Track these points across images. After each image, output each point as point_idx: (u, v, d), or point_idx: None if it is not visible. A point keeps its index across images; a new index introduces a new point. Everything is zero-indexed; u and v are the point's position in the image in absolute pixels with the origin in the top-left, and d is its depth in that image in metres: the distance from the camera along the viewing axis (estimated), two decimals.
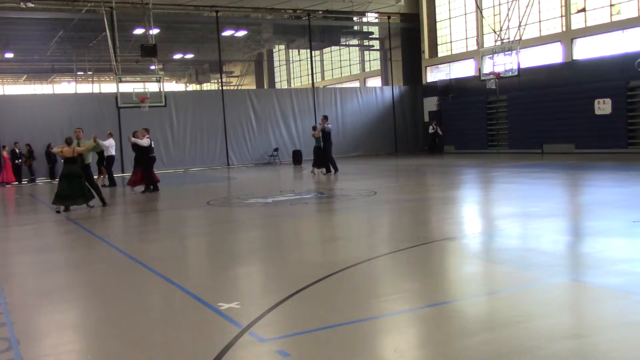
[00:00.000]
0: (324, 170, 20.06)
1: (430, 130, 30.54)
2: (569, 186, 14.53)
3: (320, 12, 30.69)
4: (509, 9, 24.51)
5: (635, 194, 11.54)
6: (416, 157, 27.86)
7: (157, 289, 6.31)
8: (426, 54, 32.53)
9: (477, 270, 6.60)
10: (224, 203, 13.98)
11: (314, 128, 20.78)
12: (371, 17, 33.83)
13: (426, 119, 32.51)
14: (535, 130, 25.44)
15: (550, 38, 26.05)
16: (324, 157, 20.11)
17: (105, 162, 19.73)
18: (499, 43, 24.18)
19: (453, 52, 31.45)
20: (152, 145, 17.35)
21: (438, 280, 6.13)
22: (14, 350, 4.48)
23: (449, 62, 31.56)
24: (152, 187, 16.90)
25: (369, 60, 38.67)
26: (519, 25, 23.72)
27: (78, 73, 41.13)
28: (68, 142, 12.95)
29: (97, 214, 12.95)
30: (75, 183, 12.81)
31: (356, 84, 38.60)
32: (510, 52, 23.39)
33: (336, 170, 19.95)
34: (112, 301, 5.86)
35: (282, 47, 42.27)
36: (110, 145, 19.35)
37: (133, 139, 16.89)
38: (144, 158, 16.93)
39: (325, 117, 20.86)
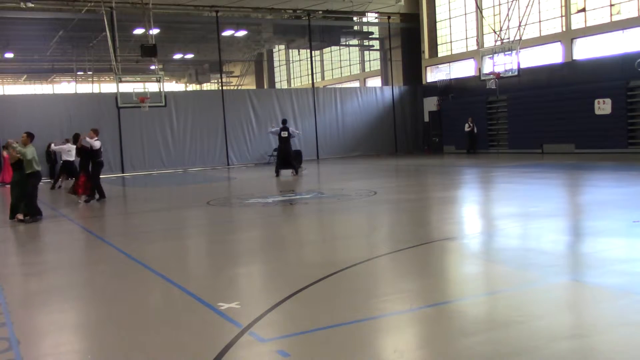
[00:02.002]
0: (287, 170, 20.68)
1: (467, 128, 28.50)
2: (569, 186, 14.53)
3: (320, 12, 30.68)
4: (509, 9, 24.50)
5: (635, 194, 11.54)
6: (416, 157, 27.86)
7: (157, 289, 6.31)
8: (426, 54, 32.52)
9: (477, 270, 6.60)
10: (224, 203, 13.98)
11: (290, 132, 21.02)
12: (371, 17, 33.83)
13: (426, 119, 32.50)
14: (535, 130, 25.42)
15: (550, 38, 26.05)
16: (291, 158, 20.66)
17: (62, 167, 19.31)
18: (499, 43, 24.17)
19: (453, 52, 31.44)
20: (102, 149, 15.41)
21: (438, 280, 6.13)
22: (14, 350, 4.48)
23: (449, 62, 31.55)
24: (98, 195, 15.10)
25: (369, 60, 38.67)
26: (519, 25, 23.71)
27: (78, 73, 41.12)
28: (5, 147, 12.28)
29: (94, 214, 12.95)
30: (15, 191, 11.94)
31: (356, 84, 38.60)
32: (510, 52, 23.38)
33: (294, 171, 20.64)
34: (112, 301, 5.87)
35: (282, 47, 42.26)
36: (63, 151, 18.61)
37: (89, 140, 15.04)
38: (91, 163, 15.13)
39: (284, 121, 21.57)
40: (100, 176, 15.45)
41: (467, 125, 28.50)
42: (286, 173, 20.75)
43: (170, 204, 14.90)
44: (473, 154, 27.84)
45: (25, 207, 11.69)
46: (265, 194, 14.87)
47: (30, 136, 11.94)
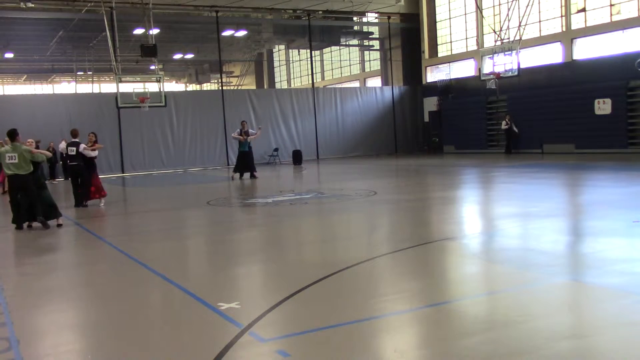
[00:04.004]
0: (241, 174, 20.24)
1: (504, 126, 26.48)
2: (569, 186, 14.53)
3: (320, 12, 30.68)
4: (509, 9, 24.50)
5: (635, 194, 11.53)
6: (416, 157, 27.86)
7: (157, 289, 6.31)
8: (426, 54, 32.53)
9: (477, 270, 6.60)
10: (224, 203, 13.98)
11: (247, 133, 20.25)
12: (371, 17, 33.83)
13: (426, 119, 32.50)
14: (535, 130, 25.43)
15: (550, 38, 26.05)
16: (250, 162, 20.17)
17: None
18: (499, 43, 24.17)
19: (453, 52, 31.44)
20: (73, 152, 13.87)
21: (438, 280, 6.13)
22: (14, 350, 4.48)
23: (449, 62, 31.55)
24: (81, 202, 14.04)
25: (369, 60, 38.67)
26: (519, 25, 23.72)
27: (78, 73, 41.13)
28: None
29: (94, 214, 12.94)
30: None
31: (356, 84, 38.60)
32: (510, 52, 23.38)
33: (246, 175, 20.26)
34: (112, 301, 5.86)
35: (282, 47, 42.27)
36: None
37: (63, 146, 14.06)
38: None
39: (243, 122, 21.16)
40: (77, 182, 14.12)
41: (503, 123, 26.53)
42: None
43: (170, 204, 14.89)
44: (510, 154, 25.80)
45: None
46: (265, 194, 14.87)
47: (8, 134, 10.79)
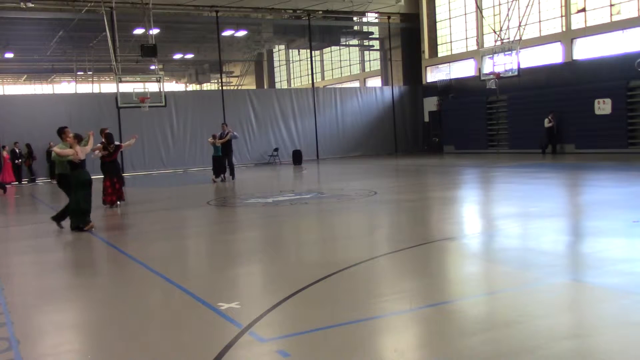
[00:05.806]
0: (223, 177, 20.05)
1: (547, 123, 24.53)
2: (569, 186, 14.53)
3: (320, 12, 30.68)
4: (509, 9, 24.50)
5: (635, 194, 11.53)
6: (416, 157, 27.85)
7: (157, 289, 6.31)
8: (426, 54, 32.52)
9: (477, 270, 6.60)
10: (224, 203, 13.98)
11: (215, 137, 20.15)
12: (371, 17, 33.82)
13: (426, 119, 32.49)
14: (535, 130, 25.40)
15: (550, 38, 26.05)
16: (225, 164, 20.03)
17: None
18: (499, 43, 24.17)
19: (453, 52, 31.44)
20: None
21: (438, 280, 6.13)
22: (14, 350, 4.48)
23: (449, 62, 31.55)
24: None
25: (369, 60, 38.67)
26: (519, 25, 23.71)
27: (78, 73, 41.12)
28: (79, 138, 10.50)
29: (93, 215, 12.95)
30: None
31: (356, 84, 38.60)
32: (510, 52, 23.37)
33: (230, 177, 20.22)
34: (112, 301, 5.87)
35: (282, 47, 42.25)
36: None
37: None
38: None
39: (225, 124, 21.09)
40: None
41: (547, 120, 24.55)
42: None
43: (170, 204, 14.89)
44: (552, 154, 24.26)
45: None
46: (265, 194, 14.86)
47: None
